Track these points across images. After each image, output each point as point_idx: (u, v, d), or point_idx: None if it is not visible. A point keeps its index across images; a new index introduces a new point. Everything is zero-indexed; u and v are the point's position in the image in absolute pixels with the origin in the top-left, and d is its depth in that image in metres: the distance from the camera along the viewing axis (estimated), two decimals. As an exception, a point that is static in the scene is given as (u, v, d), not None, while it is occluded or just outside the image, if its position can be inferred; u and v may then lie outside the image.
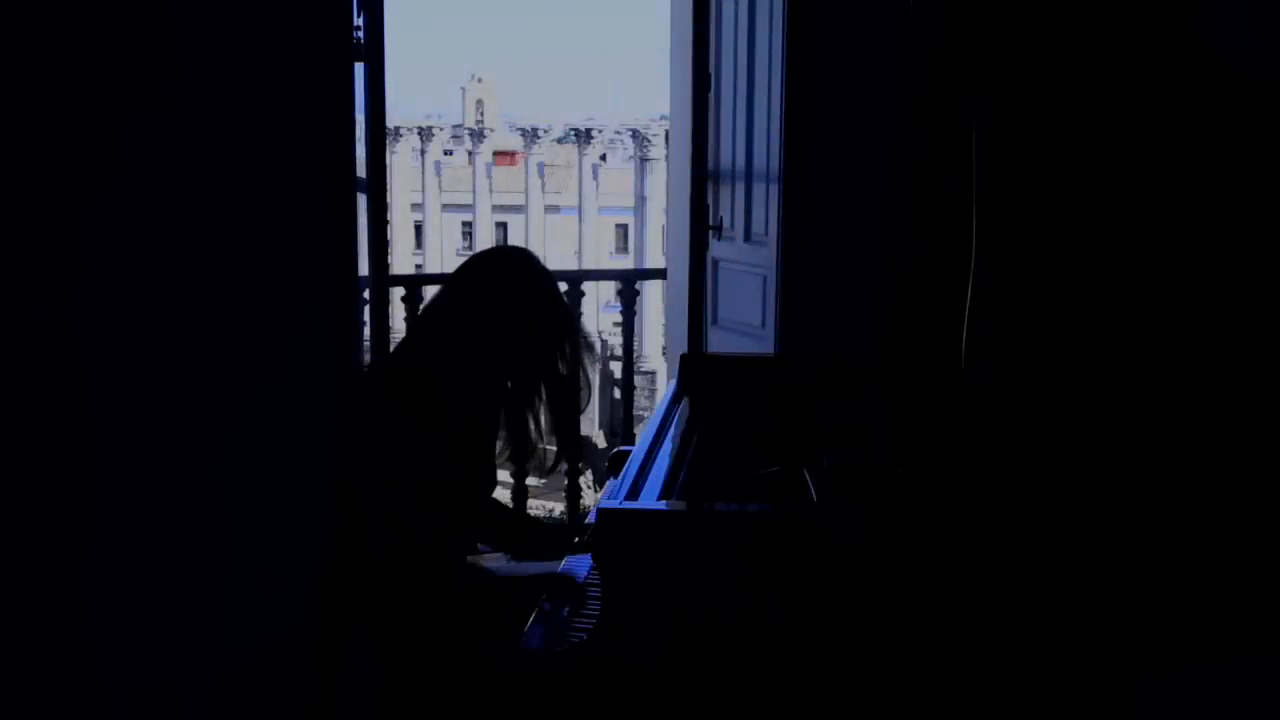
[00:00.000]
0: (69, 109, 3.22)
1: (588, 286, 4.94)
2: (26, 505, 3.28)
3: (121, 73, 3.25)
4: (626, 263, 26.17)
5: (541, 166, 26.91)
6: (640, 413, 6.37)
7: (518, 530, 2.55)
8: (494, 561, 2.41)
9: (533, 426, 2.27)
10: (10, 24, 3.02)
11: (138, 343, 3.31)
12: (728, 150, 4.32)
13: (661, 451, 2.23)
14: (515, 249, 2.39)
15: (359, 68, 3.36)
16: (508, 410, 2.29)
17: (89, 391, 3.25)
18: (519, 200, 26.96)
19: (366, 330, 3.62)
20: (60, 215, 3.17)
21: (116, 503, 3.34)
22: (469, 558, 2.42)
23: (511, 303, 2.21)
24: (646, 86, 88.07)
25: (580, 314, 4.78)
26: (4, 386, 3.15)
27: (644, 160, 24.27)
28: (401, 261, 22.53)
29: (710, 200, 4.38)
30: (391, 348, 2.59)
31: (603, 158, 28.59)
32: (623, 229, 29.91)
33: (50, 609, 3.38)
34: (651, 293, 19.08)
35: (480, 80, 33.15)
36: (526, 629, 1.98)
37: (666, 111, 5.18)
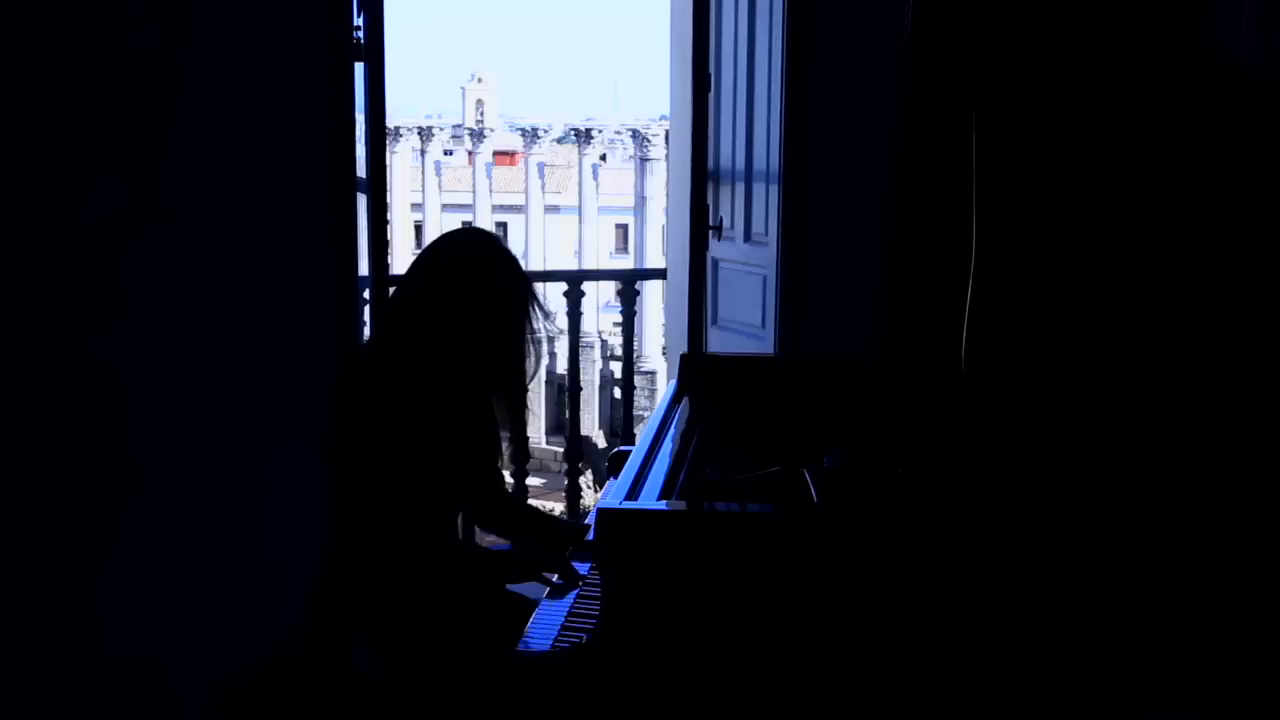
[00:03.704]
0: (81, 113, 3.21)
1: (588, 286, 4.94)
2: (27, 505, 3.27)
3: (125, 76, 3.26)
4: (626, 263, 26.14)
5: (541, 166, 26.88)
6: (640, 413, 6.37)
7: (530, 527, 2.56)
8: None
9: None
10: (32, 56, 2.99)
11: (139, 342, 3.31)
12: (728, 150, 4.32)
13: (661, 451, 2.23)
14: (470, 228, 2.49)
15: (359, 68, 3.37)
16: (502, 375, 2.32)
17: (90, 390, 3.23)
18: (519, 200, 26.93)
19: (366, 330, 3.62)
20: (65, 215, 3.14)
21: (116, 503, 3.34)
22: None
23: (489, 271, 2.26)
24: (646, 86, 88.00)
25: (581, 314, 4.79)
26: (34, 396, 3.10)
27: (644, 160, 24.23)
28: (401, 261, 22.38)
29: (710, 200, 4.38)
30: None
31: (603, 158, 28.56)
32: (623, 229, 29.89)
33: (53, 610, 3.38)
34: (651, 293, 19.06)
35: (480, 80, 33.12)
36: (528, 627, 1.98)
37: (666, 111, 5.18)
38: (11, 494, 3.10)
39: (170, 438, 3.23)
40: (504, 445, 2.46)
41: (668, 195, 5.53)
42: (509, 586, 2.41)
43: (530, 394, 2.43)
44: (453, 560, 2.35)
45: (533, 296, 2.30)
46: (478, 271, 2.26)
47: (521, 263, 2.35)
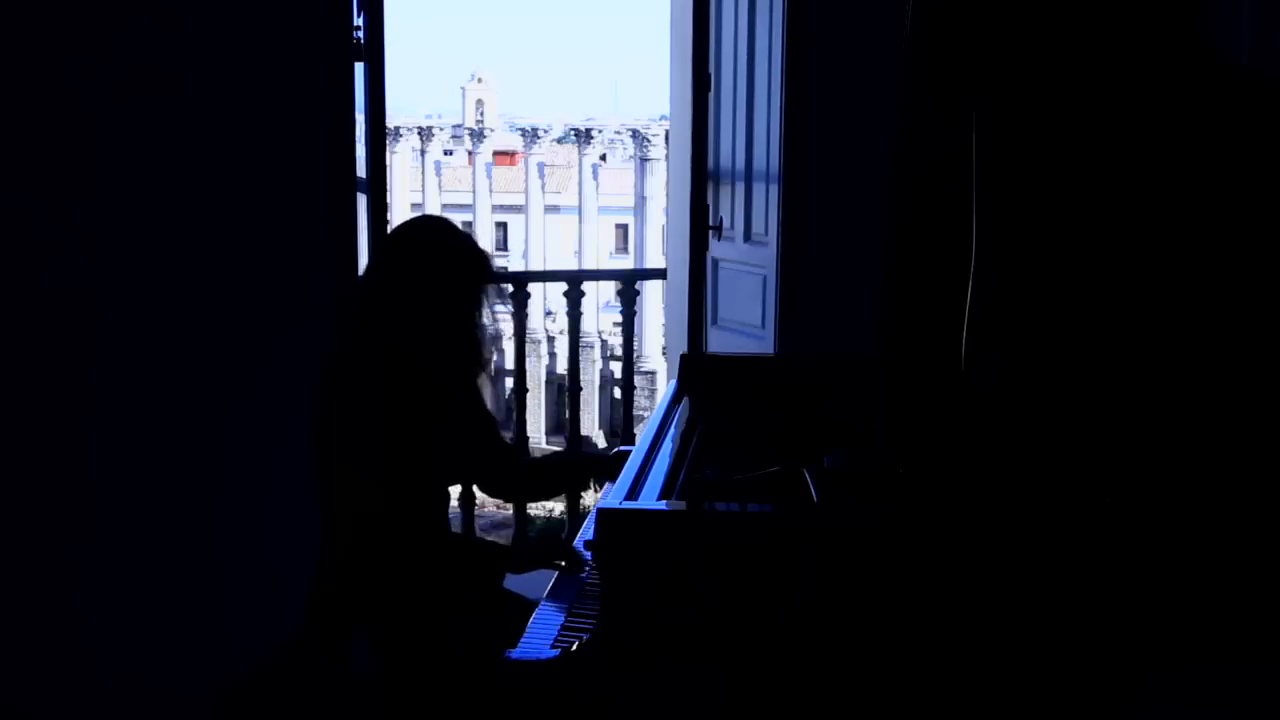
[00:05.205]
0: (79, 109, 3.21)
1: (588, 286, 4.94)
2: (26, 505, 3.28)
3: (124, 76, 3.25)
4: (626, 263, 26.16)
5: (541, 166, 26.89)
6: (640, 413, 6.37)
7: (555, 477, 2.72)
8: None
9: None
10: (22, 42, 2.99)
11: (139, 343, 3.31)
12: (728, 150, 4.32)
13: (661, 451, 2.23)
14: (425, 215, 2.55)
15: (359, 68, 3.37)
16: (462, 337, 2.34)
17: (91, 390, 3.25)
18: (519, 200, 26.95)
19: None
20: (60, 210, 3.15)
21: (116, 503, 3.35)
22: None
23: (448, 251, 2.31)
24: (646, 86, 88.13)
25: (581, 314, 4.79)
26: (14, 391, 3.12)
27: (644, 160, 24.26)
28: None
29: (710, 200, 4.39)
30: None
31: (603, 158, 28.58)
32: (623, 229, 29.92)
33: (52, 610, 3.38)
34: (651, 293, 19.07)
35: (480, 80, 33.14)
36: (527, 628, 1.98)
37: (666, 111, 5.19)
38: (6, 495, 3.10)
39: (168, 438, 3.23)
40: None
41: (668, 195, 5.53)
42: (509, 586, 2.41)
43: (485, 381, 2.48)
44: (450, 555, 2.35)
45: (485, 280, 2.32)
46: (426, 256, 2.29)
47: (479, 246, 2.39)
